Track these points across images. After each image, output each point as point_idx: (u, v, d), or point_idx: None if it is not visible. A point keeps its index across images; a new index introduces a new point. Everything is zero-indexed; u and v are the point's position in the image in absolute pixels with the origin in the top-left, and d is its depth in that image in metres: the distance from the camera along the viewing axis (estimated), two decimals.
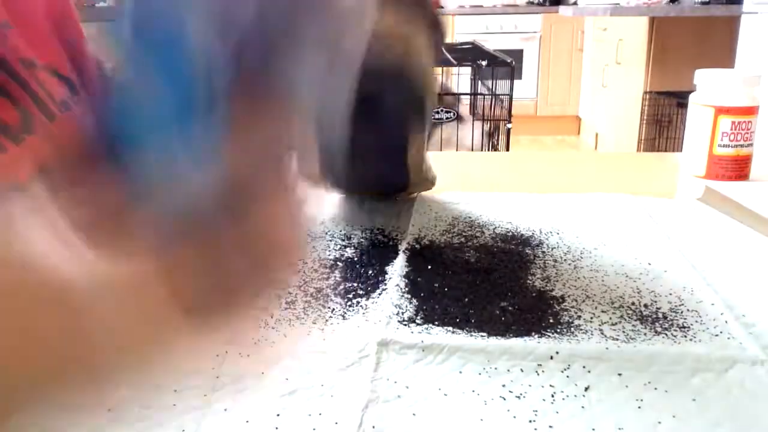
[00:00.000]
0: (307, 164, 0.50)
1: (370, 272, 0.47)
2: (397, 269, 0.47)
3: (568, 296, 0.43)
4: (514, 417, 0.31)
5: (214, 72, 0.23)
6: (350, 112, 0.45)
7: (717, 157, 0.72)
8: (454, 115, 1.80)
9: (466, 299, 0.42)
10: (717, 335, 0.38)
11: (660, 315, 0.40)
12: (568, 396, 0.32)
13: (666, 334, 0.38)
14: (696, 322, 0.39)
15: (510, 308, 0.41)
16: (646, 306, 0.41)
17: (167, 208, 0.25)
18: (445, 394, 0.32)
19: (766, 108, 0.80)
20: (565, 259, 0.49)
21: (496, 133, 1.80)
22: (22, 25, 0.51)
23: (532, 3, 5.08)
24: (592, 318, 0.40)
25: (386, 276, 0.46)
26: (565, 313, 0.40)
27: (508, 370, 0.34)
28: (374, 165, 0.52)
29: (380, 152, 0.51)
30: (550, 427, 0.30)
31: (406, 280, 0.45)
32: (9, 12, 0.48)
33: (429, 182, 0.60)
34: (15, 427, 0.30)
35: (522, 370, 0.34)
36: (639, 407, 0.31)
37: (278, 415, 0.31)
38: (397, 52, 0.45)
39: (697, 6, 3.14)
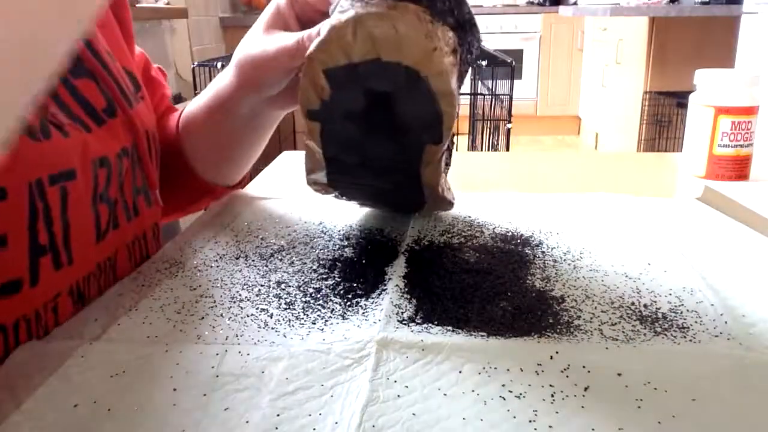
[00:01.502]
0: (314, 174, 0.50)
1: (369, 273, 0.47)
2: (396, 269, 0.47)
3: (568, 296, 0.43)
4: (514, 417, 0.30)
5: None
6: (362, 114, 0.45)
7: (717, 157, 0.72)
8: None
9: (466, 299, 0.42)
10: (717, 335, 0.38)
11: (660, 315, 0.40)
12: (568, 396, 0.32)
13: (666, 335, 0.38)
14: (696, 322, 0.39)
15: (510, 308, 0.41)
16: (645, 306, 0.41)
17: None
18: (445, 394, 0.32)
19: (766, 108, 0.80)
20: (564, 259, 0.49)
21: (496, 133, 1.79)
22: (100, 24, 0.53)
23: (532, 3, 5.08)
24: (591, 318, 0.40)
25: (386, 276, 0.46)
26: (565, 313, 0.40)
27: (508, 370, 0.34)
28: (386, 178, 0.50)
29: (392, 163, 0.49)
30: (550, 427, 0.30)
31: (406, 281, 0.45)
32: None
33: (447, 203, 0.56)
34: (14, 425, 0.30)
35: (522, 370, 0.34)
36: (639, 407, 0.31)
37: (278, 415, 0.31)
38: (414, 55, 0.42)
39: (697, 6, 3.14)
